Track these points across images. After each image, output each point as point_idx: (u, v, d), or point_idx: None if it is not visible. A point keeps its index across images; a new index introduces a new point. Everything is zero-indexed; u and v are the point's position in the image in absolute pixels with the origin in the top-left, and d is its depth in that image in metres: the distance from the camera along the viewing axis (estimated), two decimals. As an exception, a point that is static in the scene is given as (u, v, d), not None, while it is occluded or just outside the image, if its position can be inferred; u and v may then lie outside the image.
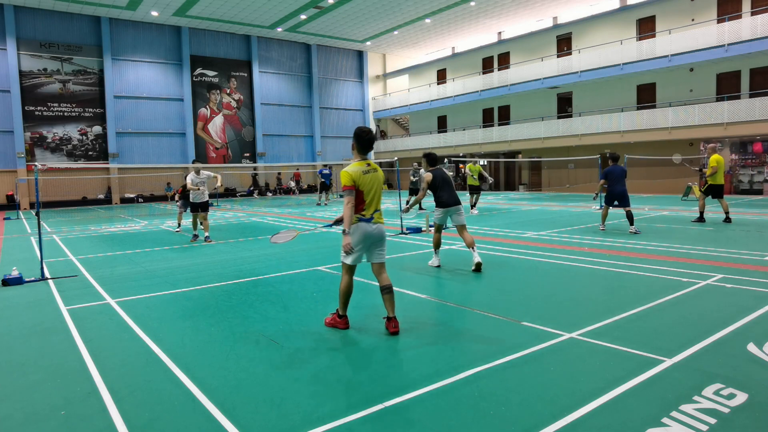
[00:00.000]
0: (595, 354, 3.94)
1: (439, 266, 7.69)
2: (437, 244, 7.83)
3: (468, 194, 17.08)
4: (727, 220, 11.79)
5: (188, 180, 11.23)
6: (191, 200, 11.36)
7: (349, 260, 4.60)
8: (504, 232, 11.42)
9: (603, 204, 11.00)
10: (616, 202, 10.65)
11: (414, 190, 18.66)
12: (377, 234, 4.63)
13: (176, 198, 12.12)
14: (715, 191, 11.77)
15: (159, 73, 30.95)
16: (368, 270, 7.53)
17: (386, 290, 4.63)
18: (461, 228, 7.58)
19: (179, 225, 13.83)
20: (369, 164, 4.66)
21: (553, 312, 5.10)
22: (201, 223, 11.56)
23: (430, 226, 12.04)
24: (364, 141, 4.64)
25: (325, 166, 27.08)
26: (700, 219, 12.05)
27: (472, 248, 7.35)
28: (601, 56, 25.49)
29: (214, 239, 11.78)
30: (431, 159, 7.85)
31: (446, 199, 7.55)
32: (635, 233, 10.31)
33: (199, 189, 11.22)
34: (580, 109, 28.50)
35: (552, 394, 3.26)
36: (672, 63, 22.82)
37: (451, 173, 34.99)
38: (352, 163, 4.64)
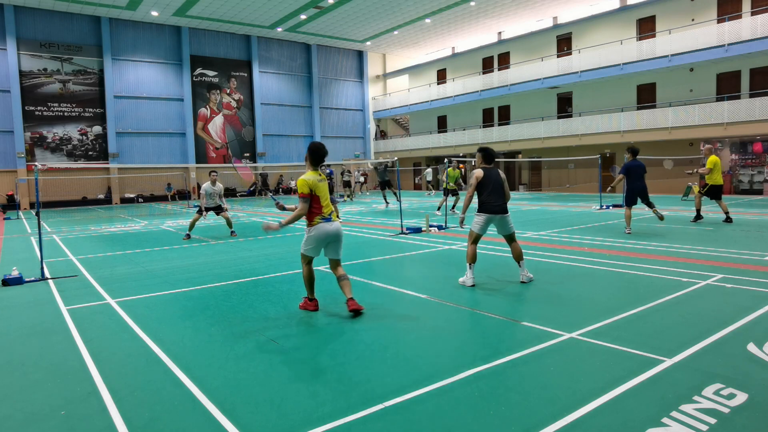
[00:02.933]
0: (595, 354, 3.94)
1: (473, 286, 6.31)
2: (472, 258, 6.38)
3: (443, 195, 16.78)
4: (728, 220, 11.72)
5: (203, 189, 12.08)
6: (203, 206, 12.13)
7: (307, 252, 5.25)
8: (504, 232, 11.40)
9: (623, 205, 10.55)
10: (638, 200, 10.24)
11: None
12: (335, 232, 5.25)
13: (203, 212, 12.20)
14: (714, 192, 11.60)
15: (159, 73, 30.96)
16: (368, 271, 7.55)
17: (343, 278, 5.32)
18: (509, 238, 6.50)
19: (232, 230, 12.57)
20: (320, 174, 5.29)
21: (553, 312, 5.10)
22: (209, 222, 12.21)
23: (431, 227, 12.04)
24: (316, 156, 5.26)
25: (327, 166, 27.36)
26: (698, 217, 11.97)
27: (519, 261, 6.50)
28: (601, 56, 25.49)
29: (214, 239, 11.78)
30: (487, 155, 6.56)
31: (491, 204, 6.34)
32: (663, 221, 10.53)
33: (212, 199, 12.13)
34: (580, 109, 28.50)
35: (552, 394, 3.26)
36: (672, 63, 22.82)
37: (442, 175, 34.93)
38: (308, 173, 5.21)
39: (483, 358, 3.90)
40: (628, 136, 24.35)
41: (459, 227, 6.71)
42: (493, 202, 6.33)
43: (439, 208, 16.69)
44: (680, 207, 16.47)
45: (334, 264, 5.37)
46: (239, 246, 10.58)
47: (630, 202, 10.31)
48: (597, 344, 4.13)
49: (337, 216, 5.35)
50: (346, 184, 26.54)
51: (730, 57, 21.42)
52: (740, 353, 3.85)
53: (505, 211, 6.39)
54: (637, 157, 10.43)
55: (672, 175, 23.97)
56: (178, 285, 6.94)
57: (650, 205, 10.30)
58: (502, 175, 6.55)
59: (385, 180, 20.84)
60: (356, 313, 5.17)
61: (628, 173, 10.18)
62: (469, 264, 6.39)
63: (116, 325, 5.10)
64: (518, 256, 6.47)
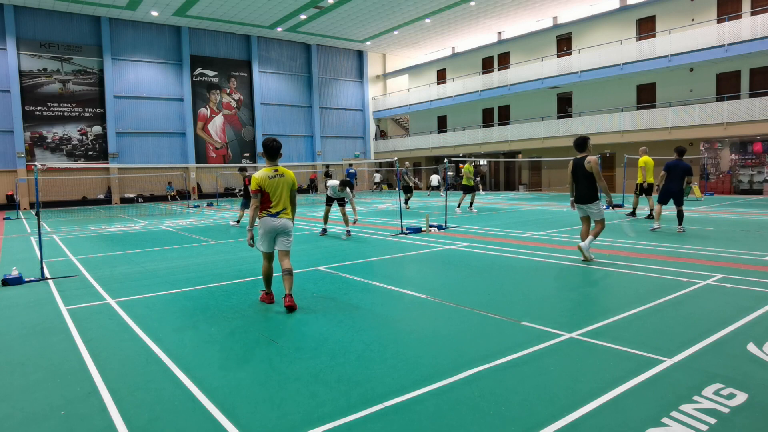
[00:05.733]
0: (595, 354, 3.94)
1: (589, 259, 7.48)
2: (583, 235, 7.68)
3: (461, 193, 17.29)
4: (649, 216, 12.65)
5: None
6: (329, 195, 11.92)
7: (261, 248, 5.49)
8: (504, 232, 11.42)
9: (656, 202, 10.78)
10: (671, 200, 10.43)
11: (406, 188, 19.67)
12: (281, 226, 5.42)
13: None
14: (643, 189, 12.71)
15: (159, 73, 30.95)
16: (368, 271, 7.55)
17: (286, 273, 5.49)
18: (596, 223, 7.61)
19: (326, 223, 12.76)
20: (276, 170, 5.41)
21: (553, 312, 5.10)
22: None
23: (431, 226, 12.04)
24: (268, 150, 5.40)
25: (350, 165, 28.22)
26: (632, 214, 13.17)
27: (586, 239, 7.57)
28: (601, 56, 25.50)
29: (215, 239, 11.78)
30: (575, 145, 7.61)
31: (576, 193, 7.61)
32: (682, 232, 10.23)
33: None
34: (580, 109, 28.50)
35: (552, 394, 3.26)
36: (672, 63, 22.83)
37: (451, 173, 35.09)
38: (262, 169, 5.41)
39: (483, 358, 3.90)
40: (628, 136, 24.36)
41: (572, 208, 8.02)
42: (577, 191, 7.59)
43: (459, 205, 16.99)
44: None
45: (282, 256, 5.51)
46: (239, 246, 10.58)
47: (662, 201, 10.51)
48: (597, 344, 4.13)
49: (289, 214, 5.49)
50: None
51: (730, 57, 21.42)
52: (740, 353, 3.85)
53: (584, 201, 7.50)
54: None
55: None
56: (178, 285, 6.94)
57: (680, 210, 10.49)
58: (588, 164, 7.36)
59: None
60: (290, 309, 5.32)
61: (669, 172, 10.27)
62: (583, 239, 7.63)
63: (116, 325, 5.10)
64: (594, 234, 7.53)
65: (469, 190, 16.87)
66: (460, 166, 35.45)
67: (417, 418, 3.01)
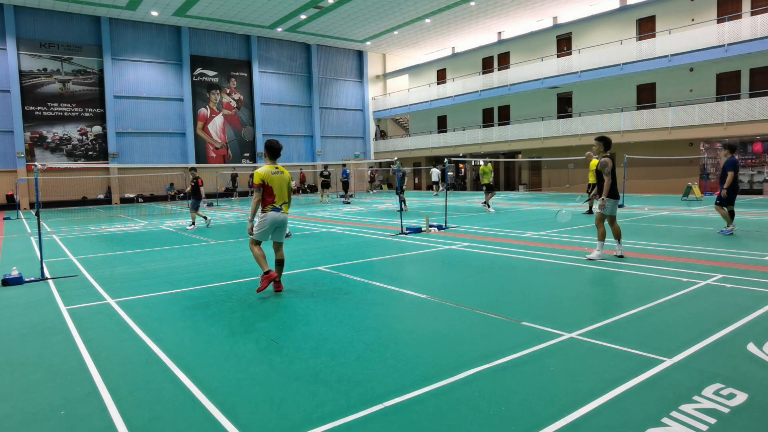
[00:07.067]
0: (595, 354, 3.94)
1: (602, 260, 7.57)
2: (603, 236, 7.73)
3: (484, 193, 17.36)
4: (589, 212, 14.49)
5: None
6: None
7: (257, 237, 6.13)
8: (504, 232, 11.42)
9: (720, 204, 9.87)
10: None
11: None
12: (282, 220, 6.18)
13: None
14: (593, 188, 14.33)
15: (159, 73, 30.94)
16: (368, 271, 7.55)
17: (279, 263, 6.32)
18: (612, 219, 7.82)
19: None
20: (277, 167, 6.15)
21: (553, 312, 5.10)
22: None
23: (431, 226, 12.04)
24: (272, 150, 6.16)
25: (344, 166, 28.57)
26: (590, 212, 14.71)
27: (618, 239, 7.78)
28: (601, 56, 25.49)
29: (215, 239, 11.78)
30: (608, 143, 7.78)
31: (617, 190, 7.72)
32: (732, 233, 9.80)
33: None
34: (580, 109, 28.50)
35: (552, 394, 3.26)
36: (672, 63, 22.83)
37: (451, 173, 35.07)
38: (264, 166, 6.09)
39: (483, 358, 3.90)
40: (628, 136, 24.36)
41: (602, 210, 7.83)
42: (614, 187, 7.63)
43: (488, 204, 17.05)
44: (680, 207, 16.48)
45: (277, 246, 6.34)
46: (239, 246, 10.58)
47: (730, 202, 9.70)
48: (597, 344, 4.13)
49: (288, 209, 6.22)
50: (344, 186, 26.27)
51: (730, 57, 21.42)
52: (740, 353, 3.85)
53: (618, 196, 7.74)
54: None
55: (672, 175, 24.00)
56: (178, 285, 6.94)
57: (731, 209, 9.92)
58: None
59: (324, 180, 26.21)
60: (277, 292, 6.17)
61: (736, 170, 9.56)
62: (601, 241, 7.68)
63: (116, 325, 5.10)
64: (618, 235, 7.75)
65: (489, 189, 16.99)
66: (461, 166, 35.48)
67: (417, 418, 3.01)
